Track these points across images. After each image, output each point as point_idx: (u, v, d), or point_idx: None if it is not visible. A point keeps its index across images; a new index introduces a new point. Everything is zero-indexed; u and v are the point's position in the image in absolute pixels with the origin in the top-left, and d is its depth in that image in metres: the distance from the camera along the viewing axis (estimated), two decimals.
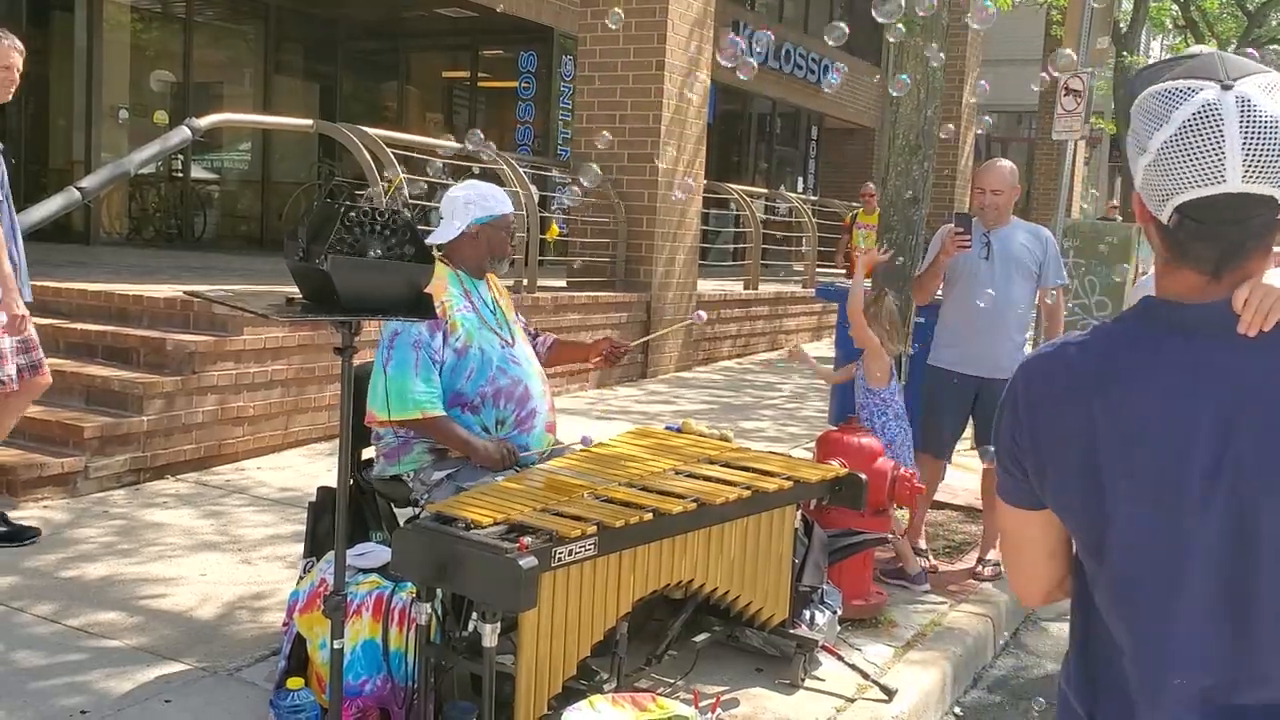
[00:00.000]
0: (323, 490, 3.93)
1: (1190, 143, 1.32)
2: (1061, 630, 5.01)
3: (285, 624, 3.47)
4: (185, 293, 3.56)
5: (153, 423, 5.70)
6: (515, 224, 3.82)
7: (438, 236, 3.61)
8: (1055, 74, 4.48)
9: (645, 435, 3.91)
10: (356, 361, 2.79)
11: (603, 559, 2.96)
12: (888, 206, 5.93)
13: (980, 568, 5.26)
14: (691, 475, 3.49)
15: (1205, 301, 1.37)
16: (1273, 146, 1.31)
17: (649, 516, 3.03)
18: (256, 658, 3.76)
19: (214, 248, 13.28)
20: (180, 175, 14.04)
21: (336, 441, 6.75)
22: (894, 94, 5.54)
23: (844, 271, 13.35)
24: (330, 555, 3.48)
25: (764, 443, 6.91)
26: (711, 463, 3.65)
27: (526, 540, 2.74)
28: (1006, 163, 5.36)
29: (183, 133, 6.32)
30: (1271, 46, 29.65)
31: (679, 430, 4.02)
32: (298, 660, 3.39)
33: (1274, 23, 27.72)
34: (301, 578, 3.64)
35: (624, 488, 3.26)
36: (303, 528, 5.14)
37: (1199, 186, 1.32)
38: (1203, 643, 1.38)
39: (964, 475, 6.32)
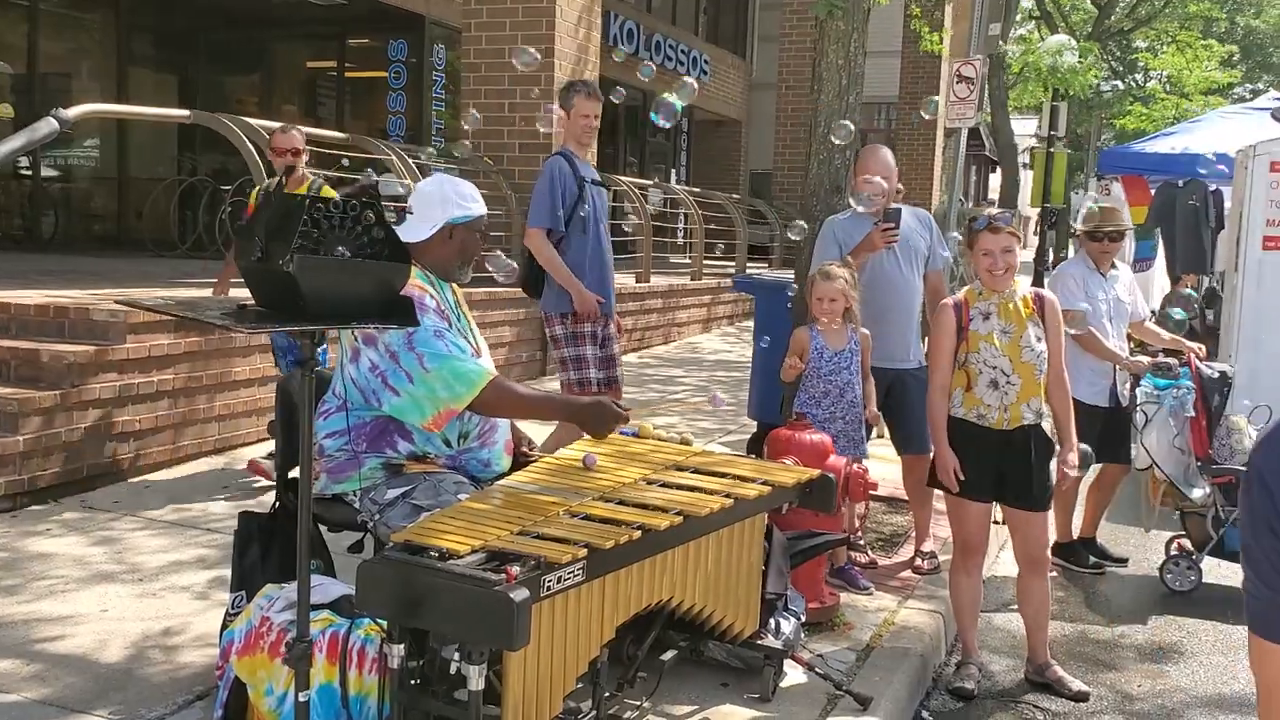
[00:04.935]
0: (245, 516, 3.55)
1: None
2: (1008, 622, 4.93)
3: (220, 668, 3.11)
4: (117, 301, 3.14)
5: (29, 442, 5.18)
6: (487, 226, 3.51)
7: (408, 234, 3.27)
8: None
9: (603, 442, 3.65)
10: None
11: (588, 584, 2.70)
12: (809, 196, 5.78)
13: (920, 561, 5.16)
14: (665, 484, 3.25)
15: None
16: None
17: (637, 534, 2.78)
18: (179, 704, 3.38)
19: (67, 249, 12.44)
20: (29, 173, 13.13)
21: (229, 455, 6.33)
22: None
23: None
24: (267, 591, 3.16)
25: None
26: (680, 469, 3.42)
27: (514, 569, 2.47)
28: (886, 148, 5.26)
29: (50, 124, 5.65)
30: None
31: (636, 435, 3.77)
32: (235, 708, 3.05)
33: (1120, 12, 28.94)
34: (232, 614, 3.28)
35: (600, 502, 3.00)
36: (206, 551, 4.79)
37: None
38: None
39: (881, 466, 6.21)
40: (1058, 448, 4.26)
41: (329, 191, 6.12)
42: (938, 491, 5.35)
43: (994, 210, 4.08)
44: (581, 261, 5.37)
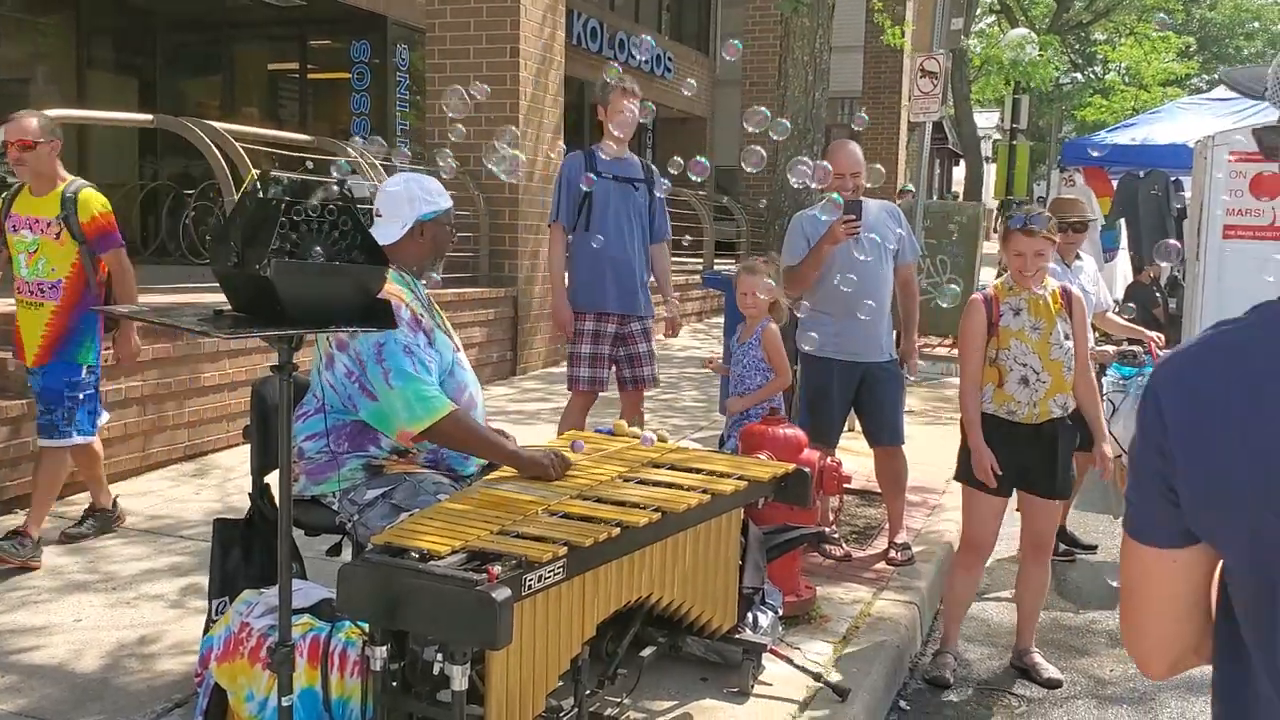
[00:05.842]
0: (220, 523, 3.53)
1: None
2: (982, 611, 4.99)
3: (199, 674, 3.09)
4: (92, 308, 3.12)
5: None
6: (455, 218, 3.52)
7: (379, 236, 3.26)
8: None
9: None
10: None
11: (568, 582, 2.71)
12: (779, 192, 5.81)
13: (894, 553, 5.20)
14: (642, 481, 3.27)
15: None
16: None
17: (616, 531, 2.79)
18: (158, 712, 3.37)
19: None
20: None
21: (200, 462, 6.29)
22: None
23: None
24: (245, 596, 3.14)
25: None
26: (657, 466, 3.44)
27: (495, 569, 2.47)
28: (853, 143, 5.26)
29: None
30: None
31: (611, 433, 3.79)
32: (215, 715, 3.04)
33: (1079, 5, 29.24)
34: (212, 621, 3.27)
35: (578, 500, 3.02)
36: (180, 559, 4.76)
37: None
38: None
39: (853, 459, 6.27)
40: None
41: (92, 197, 4.94)
42: (910, 483, 5.42)
43: (1032, 208, 4.09)
44: (583, 260, 5.40)
